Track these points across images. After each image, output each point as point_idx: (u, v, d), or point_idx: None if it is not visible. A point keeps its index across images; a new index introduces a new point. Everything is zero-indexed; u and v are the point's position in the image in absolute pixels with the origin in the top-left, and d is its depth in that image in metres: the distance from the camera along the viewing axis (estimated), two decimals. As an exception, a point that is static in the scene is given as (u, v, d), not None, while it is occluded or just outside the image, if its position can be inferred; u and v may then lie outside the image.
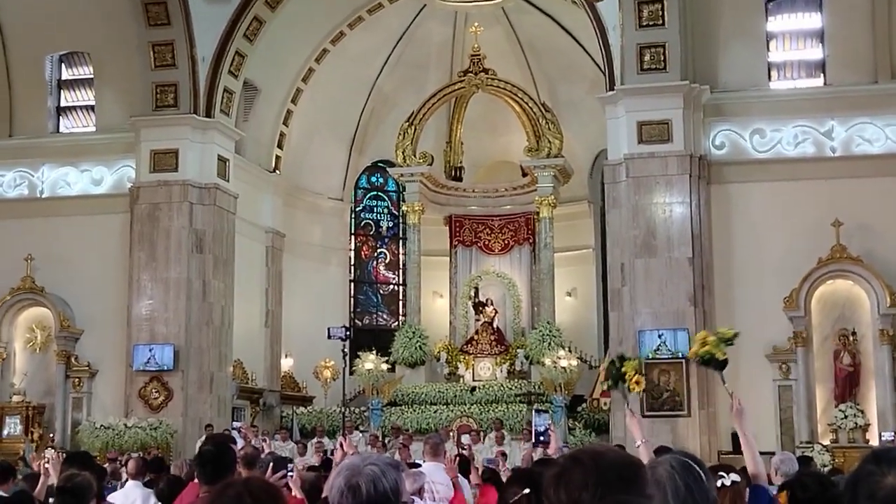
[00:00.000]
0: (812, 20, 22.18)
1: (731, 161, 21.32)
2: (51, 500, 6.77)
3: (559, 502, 2.58)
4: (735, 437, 19.67)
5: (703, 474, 3.13)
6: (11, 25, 24.44)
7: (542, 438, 7.39)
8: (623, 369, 7.14)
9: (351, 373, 26.60)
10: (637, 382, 6.98)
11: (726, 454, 19.07)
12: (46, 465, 8.16)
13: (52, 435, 22.21)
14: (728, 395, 6.38)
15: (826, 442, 19.45)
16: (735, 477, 4.99)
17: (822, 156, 21.02)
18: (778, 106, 21.46)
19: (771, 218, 20.83)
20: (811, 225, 20.22)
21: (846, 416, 19.38)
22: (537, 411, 8.46)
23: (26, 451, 20.02)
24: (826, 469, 16.79)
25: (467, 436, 20.30)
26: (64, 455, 9.58)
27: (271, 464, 6.07)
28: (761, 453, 6.16)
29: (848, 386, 19.99)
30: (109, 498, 9.19)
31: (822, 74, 21.90)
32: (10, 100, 24.75)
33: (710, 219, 21.04)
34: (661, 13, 20.81)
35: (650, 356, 19.95)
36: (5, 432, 22.34)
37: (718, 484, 4.90)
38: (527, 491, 4.61)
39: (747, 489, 5.47)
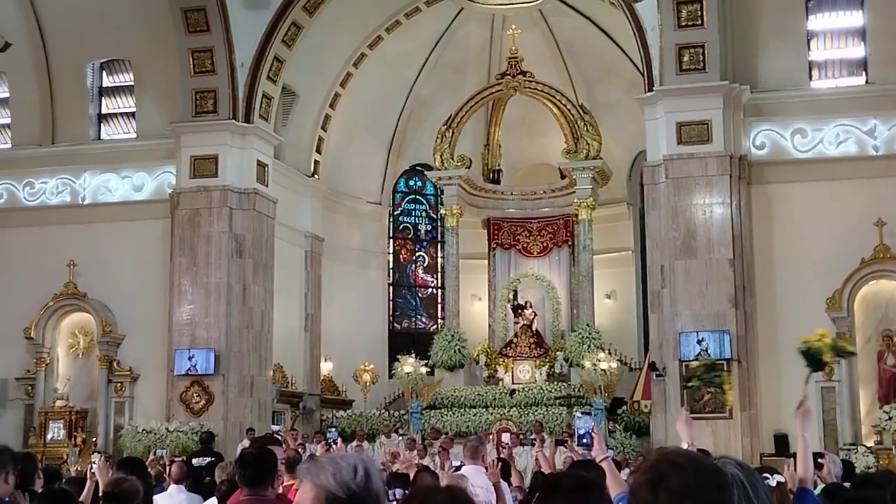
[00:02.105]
0: (853, 18, 21.96)
1: (772, 161, 21.14)
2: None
3: None
4: (777, 439, 19.57)
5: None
6: (53, 34, 24.69)
7: (584, 441, 7.31)
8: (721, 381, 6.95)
9: (390, 376, 26.66)
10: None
11: (769, 456, 18.92)
12: (93, 471, 8.21)
13: (94, 439, 22.40)
14: (801, 394, 6.28)
15: (870, 443, 19.24)
16: (780, 478, 4.95)
17: (864, 155, 20.80)
18: (819, 105, 21.26)
19: (813, 218, 20.63)
20: (854, 225, 20.01)
21: (890, 418, 19.15)
22: (579, 414, 8.42)
23: (70, 455, 20.19)
24: (871, 471, 16.63)
25: (507, 434, 20.23)
26: (109, 460, 9.65)
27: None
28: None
29: (892, 387, 19.78)
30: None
31: (863, 73, 21.68)
32: (52, 107, 25.01)
33: (751, 220, 20.88)
34: (700, 13, 20.68)
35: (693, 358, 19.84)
36: (49, 437, 22.55)
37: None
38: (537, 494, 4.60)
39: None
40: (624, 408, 23.59)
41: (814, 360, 6.81)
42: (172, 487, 9.85)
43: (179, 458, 13.63)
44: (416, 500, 2.91)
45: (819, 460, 8.45)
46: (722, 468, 2.64)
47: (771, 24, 21.40)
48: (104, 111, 25.67)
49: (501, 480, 9.34)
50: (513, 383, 25.36)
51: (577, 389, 23.82)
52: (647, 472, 2.60)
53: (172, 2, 22.84)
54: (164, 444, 21.03)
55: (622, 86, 26.81)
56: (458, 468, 9.76)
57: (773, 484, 4.92)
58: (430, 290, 31.73)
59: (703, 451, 10.50)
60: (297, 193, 26.94)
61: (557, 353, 25.51)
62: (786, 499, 5.07)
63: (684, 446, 6.27)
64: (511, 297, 27.06)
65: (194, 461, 14.31)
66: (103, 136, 25.55)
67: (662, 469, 2.57)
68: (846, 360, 6.72)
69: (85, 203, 24.62)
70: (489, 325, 27.53)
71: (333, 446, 8.27)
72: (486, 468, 8.75)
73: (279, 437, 11.52)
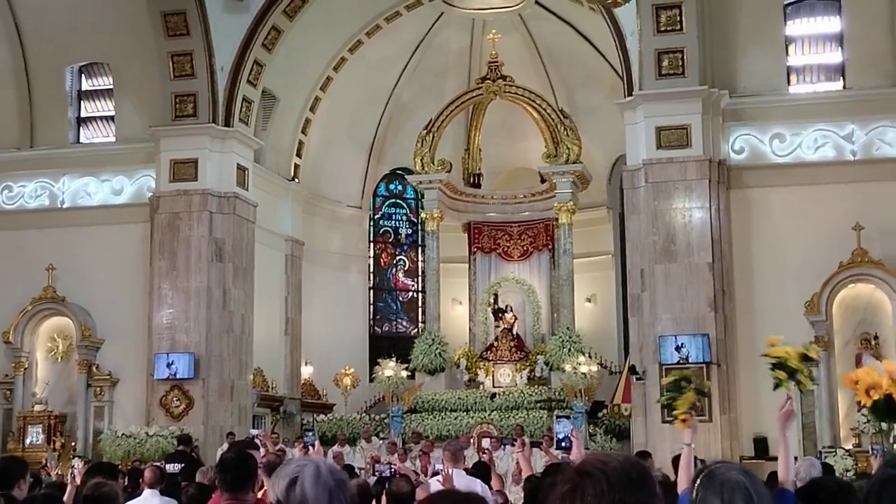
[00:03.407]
0: (831, 24, 22.10)
1: (751, 166, 21.25)
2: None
3: None
4: (756, 442, 19.66)
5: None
6: (32, 37, 24.58)
7: (564, 444, 7.40)
8: (676, 403, 6.66)
9: (371, 380, 26.65)
10: (684, 420, 6.57)
11: (748, 459, 19.02)
12: (74, 475, 8.21)
13: (73, 444, 22.29)
14: (781, 397, 6.23)
15: (849, 446, 19.34)
16: None
17: (842, 159, 20.94)
18: (797, 110, 21.38)
19: (791, 222, 20.75)
20: (832, 229, 20.13)
21: (869, 421, 19.24)
22: (558, 417, 8.42)
23: (49, 459, 20.09)
24: (850, 473, 16.73)
25: (488, 440, 20.26)
26: (88, 464, 9.63)
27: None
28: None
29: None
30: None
31: (841, 78, 21.82)
32: (30, 111, 24.89)
33: (730, 224, 20.97)
34: (679, 18, 20.77)
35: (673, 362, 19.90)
36: (28, 441, 22.42)
37: None
38: None
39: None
40: (604, 411, 23.65)
41: (786, 370, 6.64)
42: (147, 492, 9.80)
43: (157, 464, 13.59)
44: (432, 500, 2.97)
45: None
46: (637, 463, 2.69)
47: (749, 29, 21.51)
48: (83, 115, 25.56)
49: (480, 482, 9.37)
50: (493, 387, 25.39)
51: (557, 393, 23.87)
52: (562, 485, 2.64)
53: (152, 5, 22.78)
54: (143, 450, 21.03)
55: (602, 90, 26.89)
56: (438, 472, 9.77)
57: None
58: (410, 293, 31.73)
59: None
60: (278, 197, 26.92)
61: (538, 356, 25.55)
62: None
63: (686, 441, 6.24)
64: (491, 300, 27.10)
65: (168, 467, 14.26)
66: (82, 139, 25.45)
67: (575, 481, 2.62)
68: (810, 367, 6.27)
69: (64, 207, 24.52)
70: (470, 329, 27.55)
71: (311, 449, 8.28)
72: (443, 478, 8.68)
73: (258, 442, 11.50)
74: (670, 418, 6.52)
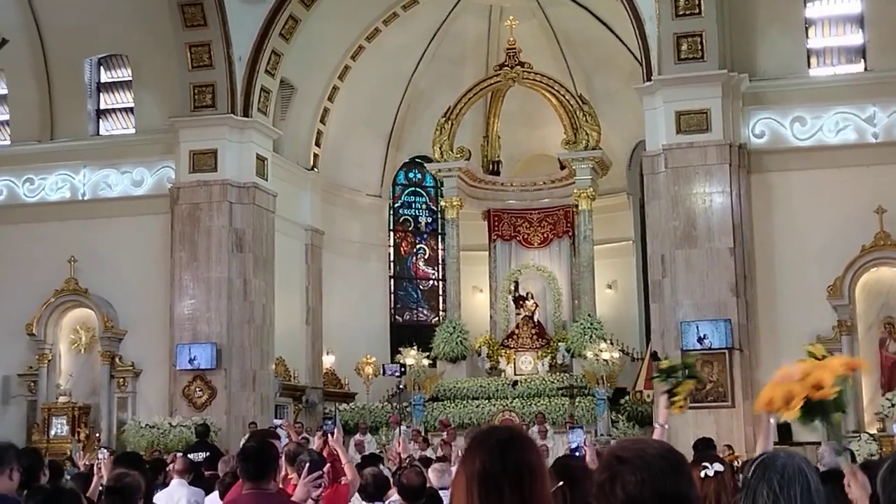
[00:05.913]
0: (851, 5, 21.91)
1: (772, 149, 21.13)
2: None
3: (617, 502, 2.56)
4: (780, 427, 19.55)
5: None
6: (51, 30, 24.67)
7: (577, 454, 7.46)
8: (677, 391, 6.48)
9: (392, 369, 26.67)
10: (681, 407, 6.47)
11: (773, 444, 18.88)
12: (100, 465, 8.24)
13: (97, 435, 22.42)
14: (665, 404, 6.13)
15: (873, 431, 19.25)
16: (718, 467, 4.94)
17: (863, 142, 20.79)
18: (818, 93, 21.23)
19: (813, 206, 20.63)
20: (854, 212, 20.00)
21: (893, 405, 19.16)
22: (572, 427, 8.43)
23: (73, 451, 20.22)
24: (874, 458, 16.62)
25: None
26: (112, 454, 9.67)
27: (307, 464, 6.08)
28: (808, 443, 6.09)
29: (894, 374, 19.78)
30: (155, 497, 9.25)
31: (862, 60, 21.64)
32: (50, 103, 24.99)
33: (751, 208, 20.87)
34: (697, 2, 20.64)
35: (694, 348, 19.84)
36: (52, 433, 22.57)
37: (702, 474, 4.85)
38: (561, 483, 4.59)
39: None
40: (626, 398, 23.62)
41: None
42: (175, 481, 9.88)
43: (181, 454, 13.64)
44: (479, 436, 2.95)
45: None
46: (673, 450, 2.66)
47: (769, 11, 21.37)
48: (102, 107, 25.65)
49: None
50: (515, 374, 25.38)
51: (579, 380, 23.84)
52: (601, 472, 2.61)
53: (170, -4, 22.83)
54: (167, 440, 21.14)
55: (621, 76, 26.79)
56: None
57: (711, 473, 4.90)
58: (431, 282, 31.73)
59: (705, 440, 10.47)
60: (297, 187, 26.93)
61: (559, 343, 25.53)
62: (724, 488, 5.04)
63: (661, 422, 6.14)
64: (512, 288, 27.06)
65: (190, 456, 14.33)
66: (102, 131, 25.54)
67: (614, 468, 2.59)
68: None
69: (85, 199, 24.61)
70: (490, 317, 27.54)
71: (330, 437, 8.30)
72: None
73: (279, 432, 11.51)
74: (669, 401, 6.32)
